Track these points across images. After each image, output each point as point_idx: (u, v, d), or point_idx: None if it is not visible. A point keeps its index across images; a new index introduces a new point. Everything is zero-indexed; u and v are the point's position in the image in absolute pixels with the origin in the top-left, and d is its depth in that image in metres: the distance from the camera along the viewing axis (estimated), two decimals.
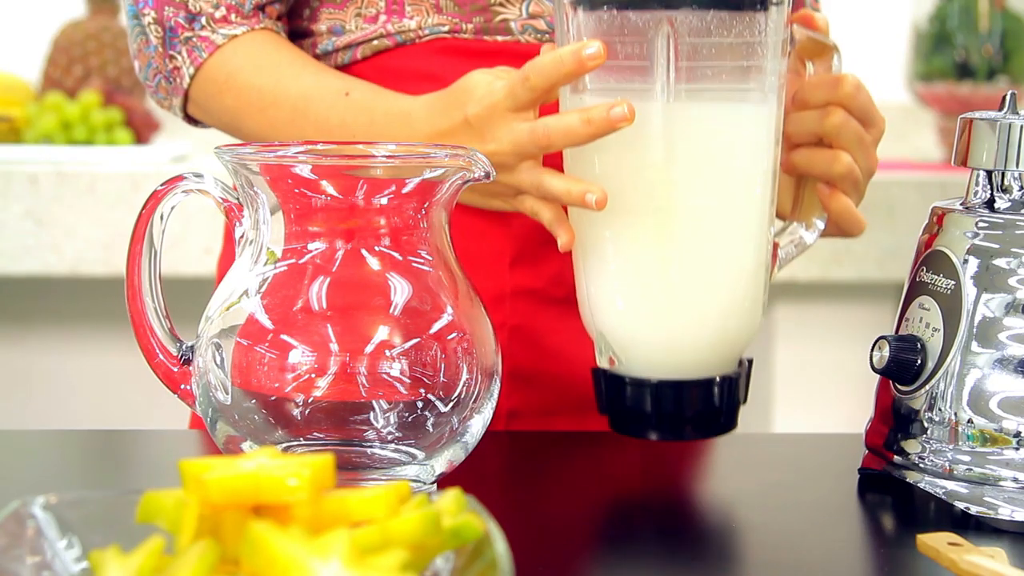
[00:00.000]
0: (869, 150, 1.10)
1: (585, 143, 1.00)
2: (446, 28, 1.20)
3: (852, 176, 1.09)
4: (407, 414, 0.96)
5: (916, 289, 1.04)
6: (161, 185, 1.01)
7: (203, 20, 1.20)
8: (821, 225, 1.11)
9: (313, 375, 0.95)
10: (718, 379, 1.04)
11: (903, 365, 1.02)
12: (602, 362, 1.05)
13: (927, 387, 1.01)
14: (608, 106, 0.98)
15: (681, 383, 1.03)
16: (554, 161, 1.06)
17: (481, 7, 1.20)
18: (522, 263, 1.22)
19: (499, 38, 1.20)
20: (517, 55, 1.20)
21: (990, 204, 1.02)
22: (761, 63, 1.00)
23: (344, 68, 1.23)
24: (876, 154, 1.12)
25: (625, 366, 1.04)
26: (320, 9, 1.23)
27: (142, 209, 1.01)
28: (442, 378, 0.96)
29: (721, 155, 1.01)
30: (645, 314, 1.03)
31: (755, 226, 1.02)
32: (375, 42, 1.22)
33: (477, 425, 0.98)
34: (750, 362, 1.07)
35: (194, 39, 1.21)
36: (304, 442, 0.97)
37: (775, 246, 1.08)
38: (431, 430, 0.96)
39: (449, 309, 0.97)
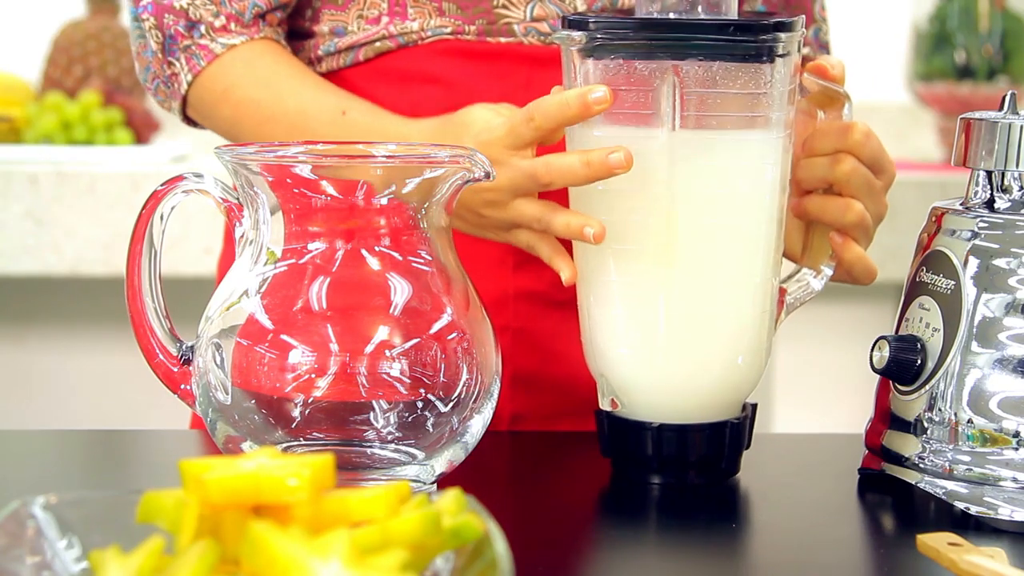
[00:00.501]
0: (879, 196, 1.11)
1: (584, 184, 1.01)
2: (448, 30, 1.20)
3: (863, 224, 1.09)
4: (407, 414, 0.96)
5: (916, 289, 1.04)
6: (161, 185, 1.01)
7: (202, 28, 1.20)
8: (829, 272, 1.11)
9: (313, 375, 0.95)
10: (721, 424, 1.04)
11: (903, 365, 1.02)
12: (604, 404, 1.05)
13: (927, 387, 1.01)
14: (608, 151, 0.99)
15: (684, 427, 1.04)
16: (556, 196, 1.06)
17: (484, 10, 1.20)
18: (525, 266, 1.22)
19: (502, 40, 1.20)
20: (520, 56, 1.20)
21: (990, 204, 1.02)
22: (767, 113, 1.01)
23: (346, 70, 1.23)
24: (886, 200, 1.13)
25: (628, 409, 1.04)
26: (322, 10, 1.23)
27: (142, 209, 1.01)
28: (442, 378, 0.96)
29: (725, 202, 1.01)
30: (647, 358, 1.03)
31: (759, 273, 1.03)
32: (377, 44, 1.21)
33: (477, 425, 0.98)
34: (754, 407, 1.07)
35: (193, 47, 1.20)
36: (304, 442, 0.97)
37: (782, 292, 1.08)
38: (431, 430, 0.96)
39: (449, 309, 0.97)
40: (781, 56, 1.00)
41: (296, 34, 1.25)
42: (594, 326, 1.05)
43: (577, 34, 1.01)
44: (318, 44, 1.23)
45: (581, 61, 1.02)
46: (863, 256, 1.11)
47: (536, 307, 1.23)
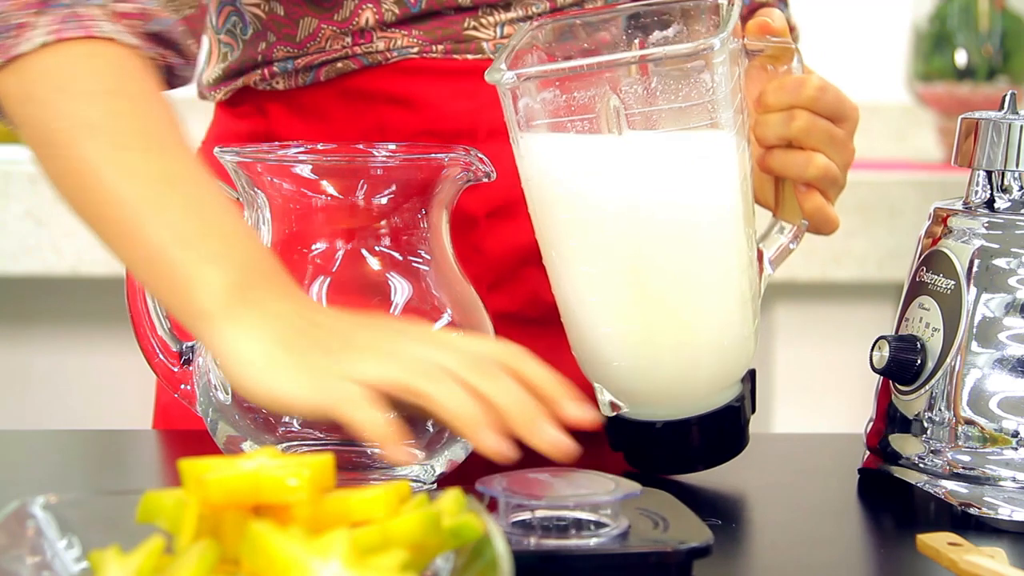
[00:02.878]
0: (843, 144, 1.08)
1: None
2: (415, 50, 1.17)
3: (828, 176, 1.07)
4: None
5: (916, 289, 1.04)
6: None
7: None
8: (805, 223, 1.10)
9: None
10: (721, 411, 1.04)
11: (903, 365, 1.02)
12: (605, 409, 1.05)
13: (927, 387, 1.01)
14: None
15: (686, 421, 1.04)
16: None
17: (453, 32, 1.17)
18: (499, 288, 1.20)
19: (469, 56, 1.17)
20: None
21: (990, 204, 1.02)
22: (715, 114, 0.99)
23: (304, 89, 1.18)
24: (852, 144, 1.09)
25: (629, 411, 1.05)
26: (278, 43, 1.18)
27: None
28: None
29: (683, 204, 0.99)
30: (637, 369, 1.03)
31: (732, 265, 1.02)
32: (339, 64, 1.17)
33: None
34: (752, 374, 1.07)
35: (78, 10, 0.92)
36: (304, 442, 0.97)
37: (760, 257, 1.07)
38: (431, 430, 0.96)
39: (449, 309, 0.97)
40: (719, 60, 0.98)
41: (247, 65, 1.19)
42: (579, 342, 1.04)
43: (509, 75, 0.97)
44: (272, 65, 1.18)
45: (518, 97, 0.98)
46: (823, 206, 1.08)
47: (511, 327, 1.22)
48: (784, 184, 1.09)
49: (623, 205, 0.99)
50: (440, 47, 1.17)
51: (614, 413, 1.05)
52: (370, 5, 1.15)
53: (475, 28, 1.17)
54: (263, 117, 1.19)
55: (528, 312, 1.20)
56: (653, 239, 1.00)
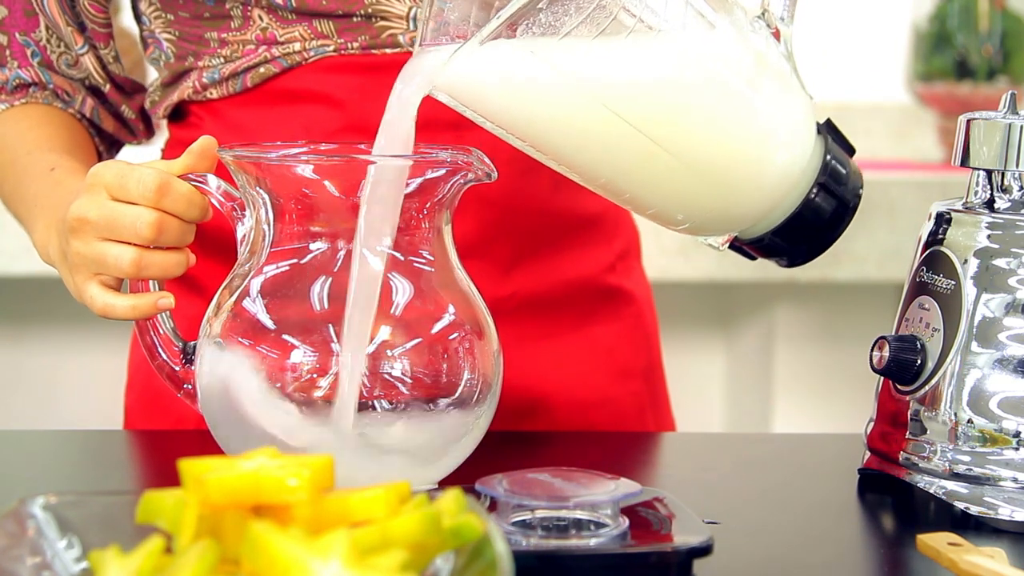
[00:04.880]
0: None
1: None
2: (331, 48, 1.17)
3: None
4: (408, 414, 0.96)
5: (916, 289, 1.04)
6: None
7: None
8: None
9: (314, 375, 0.95)
10: (814, 189, 1.03)
11: (903, 365, 1.02)
12: (716, 246, 1.06)
13: (927, 387, 1.01)
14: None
15: (788, 223, 1.04)
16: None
17: (364, 28, 1.17)
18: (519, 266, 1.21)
19: (387, 51, 1.17)
20: None
21: (990, 204, 1.02)
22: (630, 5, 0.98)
23: (235, 96, 1.21)
24: None
25: (738, 235, 1.05)
26: (202, 54, 1.21)
27: None
28: (443, 378, 0.96)
29: (642, 89, 0.99)
30: (709, 218, 1.03)
31: (724, 78, 1.00)
32: (262, 68, 1.19)
33: (477, 425, 0.98)
34: (828, 125, 1.06)
35: None
36: None
37: (777, 34, 1.05)
38: (432, 430, 0.96)
39: (450, 309, 0.97)
40: None
41: (177, 74, 1.23)
42: (655, 220, 1.05)
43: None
44: (202, 72, 1.21)
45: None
46: None
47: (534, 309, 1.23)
48: None
49: (583, 114, 0.98)
50: (356, 44, 1.18)
51: (725, 246, 1.05)
52: (258, 11, 1.17)
53: (384, 19, 1.16)
54: (200, 129, 1.22)
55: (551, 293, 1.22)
56: (640, 115, 0.99)
